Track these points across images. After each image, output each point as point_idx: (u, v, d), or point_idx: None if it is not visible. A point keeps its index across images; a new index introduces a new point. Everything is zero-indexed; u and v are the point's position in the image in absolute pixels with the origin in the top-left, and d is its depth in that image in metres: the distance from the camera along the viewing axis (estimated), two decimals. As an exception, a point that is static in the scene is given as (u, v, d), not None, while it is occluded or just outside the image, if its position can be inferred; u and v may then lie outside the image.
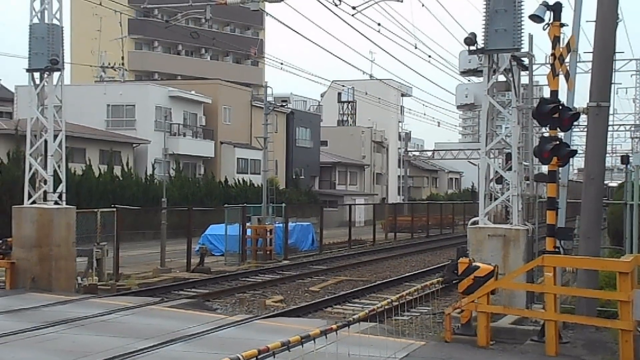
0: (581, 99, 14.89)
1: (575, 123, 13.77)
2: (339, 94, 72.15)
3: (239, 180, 47.56)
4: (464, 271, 11.23)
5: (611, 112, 16.27)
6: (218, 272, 23.28)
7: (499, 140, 14.28)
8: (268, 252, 27.58)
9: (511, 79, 13.66)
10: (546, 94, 12.68)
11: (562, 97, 12.46)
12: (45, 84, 17.07)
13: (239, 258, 26.31)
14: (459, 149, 72.42)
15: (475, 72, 14.70)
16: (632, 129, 50.38)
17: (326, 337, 8.22)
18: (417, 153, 78.71)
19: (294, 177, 56.83)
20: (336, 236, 36.29)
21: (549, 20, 12.02)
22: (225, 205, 28.95)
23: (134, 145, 43.29)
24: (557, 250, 12.08)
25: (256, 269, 24.62)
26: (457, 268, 11.32)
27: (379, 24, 24.47)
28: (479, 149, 14.26)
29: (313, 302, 17.81)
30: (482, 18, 13.42)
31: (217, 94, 50.23)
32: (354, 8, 21.09)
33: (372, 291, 19.96)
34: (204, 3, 22.16)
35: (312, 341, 7.78)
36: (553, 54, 12.04)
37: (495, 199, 14.12)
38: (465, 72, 15.19)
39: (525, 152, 14.80)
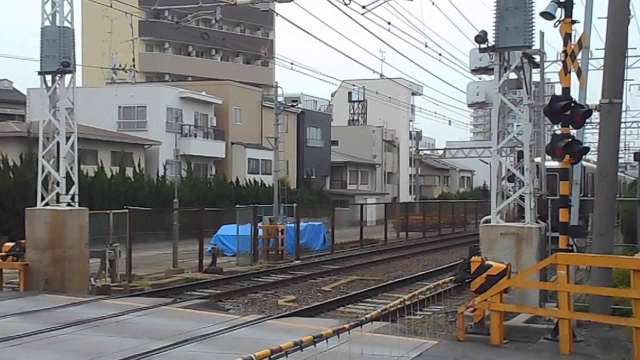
0: (593, 96, 14.85)
1: (588, 120, 13.69)
2: (350, 93, 72.13)
3: (250, 181, 47.62)
4: (476, 270, 11.19)
5: (624, 109, 16.16)
6: (230, 272, 23.31)
7: (511, 138, 14.22)
8: (280, 252, 27.59)
9: (522, 76, 13.60)
10: (558, 91, 12.60)
11: (574, 94, 12.38)
12: (57, 86, 17.15)
13: (251, 258, 26.34)
14: (471, 148, 72.24)
15: (486, 70, 14.64)
16: (645, 125, 50.10)
17: (339, 337, 8.22)
18: (428, 152, 78.60)
19: (305, 177, 56.85)
20: (348, 236, 36.27)
21: (560, 17, 11.95)
22: (237, 206, 28.99)
23: (146, 146, 43.43)
24: (570, 248, 12.02)
25: (268, 269, 24.65)
26: (469, 267, 11.29)
27: (389, 23, 24.41)
28: (491, 147, 14.20)
29: (325, 301, 17.80)
30: (492, 16, 13.37)
31: (228, 95, 50.31)
32: (364, 7, 21.05)
33: (384, 290, 19.93)
34: (214, 4, 22.22)
35: (325, 341, 7.78)
36: (564, 51, 11.98)
37: (507, 197, 14.06)
38: (476, 70, 15.14)
39: (538, 150, 14.74)
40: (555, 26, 12.06)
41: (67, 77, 17.18)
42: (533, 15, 13.14)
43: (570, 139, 11.81)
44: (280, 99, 33.48)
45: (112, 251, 19.22)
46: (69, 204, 16.96)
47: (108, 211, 20.72)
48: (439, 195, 76.34)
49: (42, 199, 17.00)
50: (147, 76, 65.85)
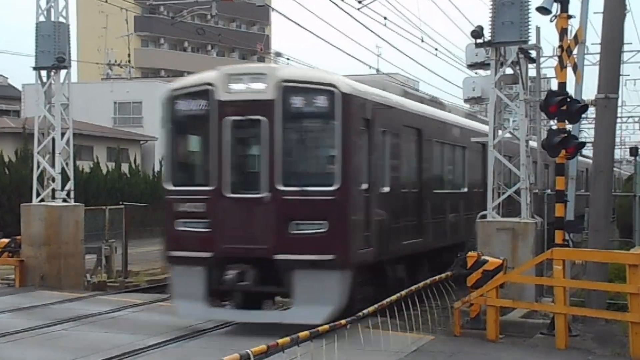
0: (589, 91, 14.84)
1: (584, 115, 13.71)
2: (346, 88, 71.93)
3: (246, 176, 47.51)
4: (472, 265, 11.20)
5: (620, 104, 16.21)
6: (226, 268, 23.25)
7: (507, 133, 14.21)
8: (276, 248, 27.49)
9: (519, 71, 13.60)
10: (554, 86, 12.62)
11: (570, 89, 12.41)
12: (52, 82, 17.09)
13: (247, 254, 26.26)
14: (467, 143, 72.13)
15: (483, 65, 14.65)
16: (641, 120, 50.03)
17: (335, 332, 8.22)
18: (424, 147, 78.39)
19: (301, 172, 56.71)
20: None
21: (556, 12, 11.96)
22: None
23: (141, 142, 43.33)
24: (566, 243, 12.03)
25: (264, 265, 24.58)
26: (466, 262, 11.29)
27: (385, 18, 24.34)
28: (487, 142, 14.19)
29: (322, 297, 17.75)
30: (489, 11, 13.36)
31: (224, 90, 50.15)
32: (359, 2, 20.99)
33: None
34: (210, -1, 22.14)
35: (322, 337, 7.77)
36: (561, 46, 11.98)
37: (504, 192, 14.05)
38: (472, 66, 15.14)
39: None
40: (551, 21, 12.07)
41: (62, 72, 17.12)
42: (529, 11, 13.13)
43: (566, 134, 11.82)
44: (276, 94, 33.37)
45: (108, 247, 19.21)
46: (64, 200, 16.92)
47: (104, 207, 20.70)
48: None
49: (38, 195, 16.96)
50: (142, 72, 65.67)
